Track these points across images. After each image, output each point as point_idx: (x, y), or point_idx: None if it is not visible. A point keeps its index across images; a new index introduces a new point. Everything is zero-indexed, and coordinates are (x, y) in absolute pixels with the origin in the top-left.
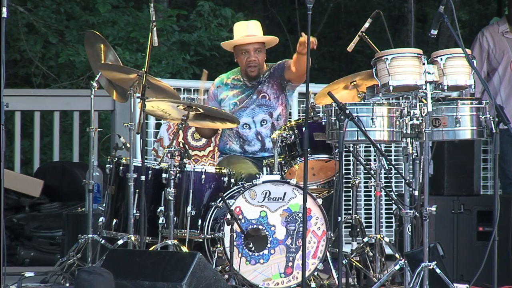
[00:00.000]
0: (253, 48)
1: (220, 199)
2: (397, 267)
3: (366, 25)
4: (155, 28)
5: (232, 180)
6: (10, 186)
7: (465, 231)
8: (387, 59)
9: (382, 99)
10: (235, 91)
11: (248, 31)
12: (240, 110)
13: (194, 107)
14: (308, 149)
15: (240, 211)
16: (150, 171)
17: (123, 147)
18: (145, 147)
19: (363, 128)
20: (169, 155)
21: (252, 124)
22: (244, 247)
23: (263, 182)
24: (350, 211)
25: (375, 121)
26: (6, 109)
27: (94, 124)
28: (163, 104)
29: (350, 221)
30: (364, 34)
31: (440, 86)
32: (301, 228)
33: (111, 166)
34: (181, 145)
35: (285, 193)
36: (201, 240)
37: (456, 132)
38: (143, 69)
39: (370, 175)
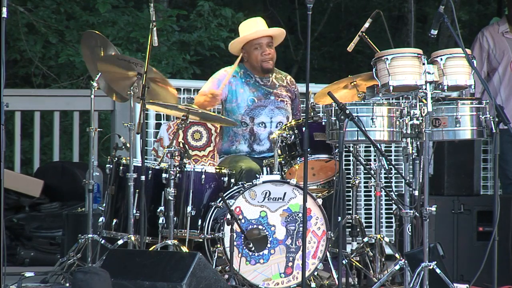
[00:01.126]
0: (266, 41)
1: (220, 199)
2: (397, 267)
3: (366, 25)
4: (155, 28)
5: (232, 180)
6: (10, 186)
7: (465, 231)
8: (387, 59)
9: (382, 99)
10: (249, 87)
11: (258, 27)
12: (259, 108)
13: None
14: (308, 149)
15: (240, 211)
16: (150, 171)
17: (123, 147)
18: (145, 147)
19: (363, 128)
20: (169, 155)
21: (268, 124)
22: (244, 247)
23: (263, 182)
24: (350, 211)
25: (375, 121)
26: (6, 109)
27: (94, 124)
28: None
29: (350, 221)
30: (364, 34)
31: (440, 86)
32: (301, 228)
33: (111, 166)
34: (181, 145)
35: (285, 193)
36: (201, 240)
37: (456, 132)
38: (143, 69)
39: (370, 175)
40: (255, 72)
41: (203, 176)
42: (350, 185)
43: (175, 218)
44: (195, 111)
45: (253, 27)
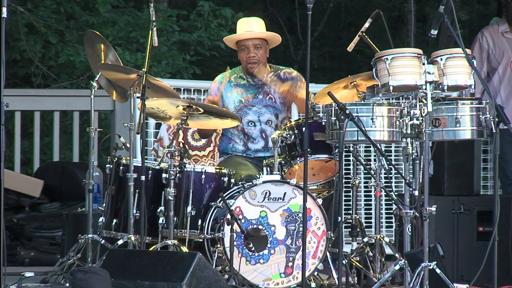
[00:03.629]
0: (252, 44)
1: (220, 199)
2: (397, 267)
3: (366, 25)
4: (155, 28)
5: (232, 180)
6: (10, 186)
7: (465, 231)
8: (387, 59)
9: (382, 99)
10: (239, 89)
11: (249, 27)
12: (245, 108)
13: (194, 106)
14: (308, 149)
15: (240, 211)
16: (150, 171)
17: (123, 147)
18: (145, 147)
19: (363, 128)
20: (169, 155)
21: (257, 122)
22: (244, 247)
23: (263, 182)
24: (350, 211)
25: (375, 121)
26: (6, 109)
27: (94, 124)
28: (164, 105)
29: (350, 221)
30: (364, 34)
31: (440, 86)
32: (301, 228)
33: (111, 166)
34: (181, 145)
35: (285, 193)
36: (201, 240)
37: (456, 132)
38: (143, 69)
39: (370, 175)
40: (246, 72)
41: (203, 176)
42: (350, 185)
43: (175, 218)
44: (198, 104)
45: (244, 28)
